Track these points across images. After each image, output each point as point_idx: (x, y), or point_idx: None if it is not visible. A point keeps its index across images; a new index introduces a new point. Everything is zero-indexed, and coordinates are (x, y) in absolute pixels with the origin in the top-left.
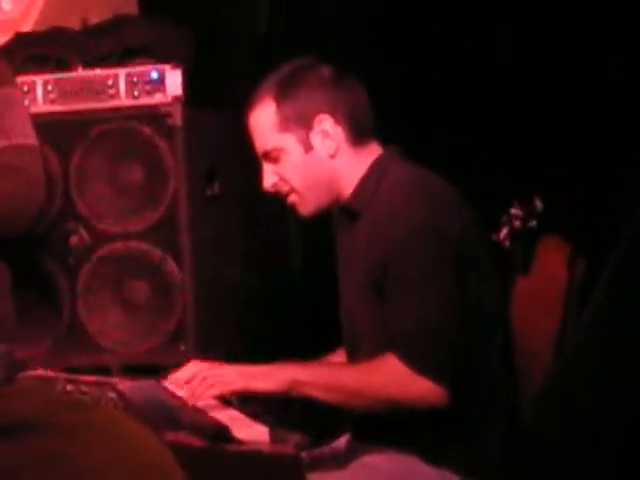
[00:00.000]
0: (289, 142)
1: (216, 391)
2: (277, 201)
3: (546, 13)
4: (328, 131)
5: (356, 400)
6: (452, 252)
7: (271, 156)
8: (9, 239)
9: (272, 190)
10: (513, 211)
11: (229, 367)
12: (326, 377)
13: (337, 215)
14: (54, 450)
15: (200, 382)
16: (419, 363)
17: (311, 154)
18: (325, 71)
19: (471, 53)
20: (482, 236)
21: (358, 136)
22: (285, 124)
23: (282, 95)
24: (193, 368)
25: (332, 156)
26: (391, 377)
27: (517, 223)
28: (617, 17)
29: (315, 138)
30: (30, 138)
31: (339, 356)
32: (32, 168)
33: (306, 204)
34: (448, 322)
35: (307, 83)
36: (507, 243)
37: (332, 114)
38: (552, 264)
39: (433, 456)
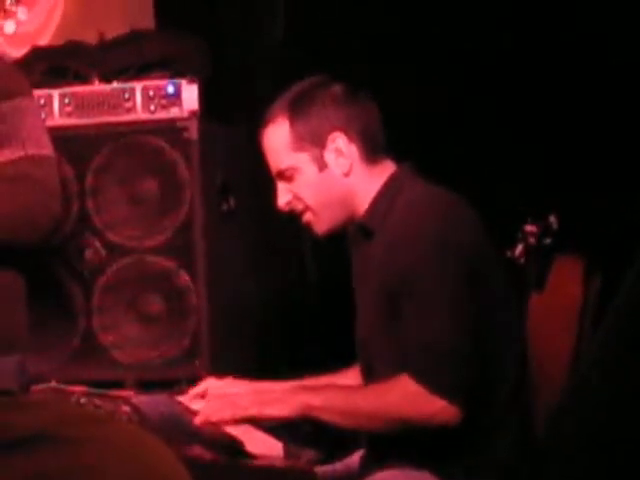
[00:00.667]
0: (303, 161)
1: (228, 416)
2: (292, 216)
3: (567, 29)
4: (342, 149)
5: (371, 423)
6: (467, 269)
7: (285, 175)
8: (25, 251)
9: (287, 208)
10: (528, 228)
11: (243, 389)
12: (340, 401)
13: (352, 232)
14: (69, 462)
15: (213, 402)
16: (434, 382)
17: (325, 172)
18: (337, 89)
19: (485, 68)
20: (496, 252)
21: (371, 153)
22: (299, 143)
23: (295, 114)
24: (209, 385)
25: (346, 174)
26: (405, 397)
27: (532, 240)
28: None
29: (329, 156)
30: (46, 149)
31: (353, 372)
32: (48, 179)
33: (321, 222)
34: (463, 341)
35: (320, 101)
36: (522, 260)
37: (345, 132)
38: (567, 281)
39: (445, 472)
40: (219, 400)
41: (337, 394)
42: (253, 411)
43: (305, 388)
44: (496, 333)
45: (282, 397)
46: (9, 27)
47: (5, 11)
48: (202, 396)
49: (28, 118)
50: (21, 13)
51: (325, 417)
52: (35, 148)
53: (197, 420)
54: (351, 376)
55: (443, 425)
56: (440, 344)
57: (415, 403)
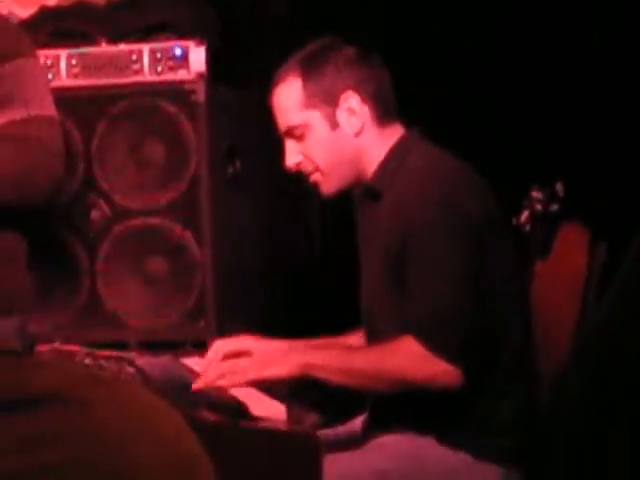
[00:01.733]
0: (315, 119)
1: (227, 382)
2: (298, 180)
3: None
4: (354, 109)
5: (372, 382)
6: (473, 233)
7: (296, 133)
8: (26, 212)
9: (295, 168)
10: (534, 194)
11: (253, 346)
12: (340, 360)
13: (358, 195)
14: (76, 422)
15: (212, 369)
16: (437, 344)
17: (337, 131)
18: (349, 50)
19: (492, 38)
20: (503, 217)
21: (383, 115)
22: (311, 100)
23: (308, 72)
24: (217, 347)
25: (357, 134)
26: (407, 358)
27: (538, 207)
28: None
29: (341, 115)
30: (49, 109)
31: (357, 336)
32: (51, 140)
33: (329, 182)
34: (467, 305)
35: (333, 60)
36: (527, 227)
37: (358, 92)
38: (572, 249)
39: (449, 437)
40: (218, 366)
41: (338, 353)
42: (252, 375)
43: (305, 347)
44: (502, 300)
45: (281, 357)
46: None
47: None
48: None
49: (30, 79)
50: None
51: (325, 376)
52: (38, 109)
53: (195, 386)
54: (354, 340)
55: (444, 387)
56: (444, 307)
57: (417, 364)
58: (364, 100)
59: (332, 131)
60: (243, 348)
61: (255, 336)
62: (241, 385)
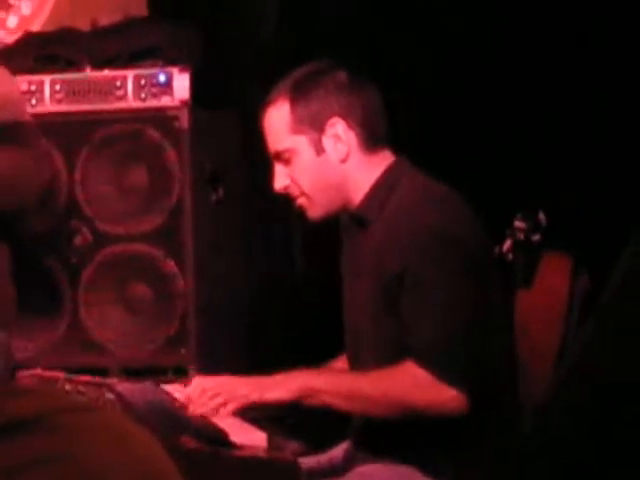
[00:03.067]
0: (301, 144)
1: (232, 407)
2: (280, 206)
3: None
4: (340, 135)
5: (374, 407)
6: (466, 262)
7: (283, 157)
8: (12, 217)
9: (283, 192)
10: (517, 224)
11: (238, 380)
12: (342, 384)
13: (345, 221)
14: (56, 451)
15: (212, 398)
16: (443, 371)
17: (322, 157)
18: (341, 75)
19: (476, 64)
20: (489, 247)
21: (370, 142)
22: (298, 125)
23: (296, 96)
24: (202, 384)
25: (343, 160)
26: (414, 384)
27: (520, 236)
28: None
29: (327, 141)
30: (25, 116)
31: (341, 362)
32: (31, 143)
33: (315, 207)
34: (469, 329)
35: (322, 86)
36: (510, 255)
37: (345, 118)
38: (554, 278)
39: (432, 467)
40: (218, 390)
41: (339, 377)
42: (254, 397)
43: (305, 371)
44: (490, 327)
45: (282, 380)
46: (12, 21)
47: (9, 5)
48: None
49: (1, 86)
50: (25, 7)
51: (327, 400)
52: (16, 115)
53: (196, 411)
54: (339, 366)
55: (451, 414)
56: (447, 332)
57: (425, 391)
58: (350, 127)
59: (317, 157)
60: (225, 382)
61: (233, 375)
62: (242, 408)
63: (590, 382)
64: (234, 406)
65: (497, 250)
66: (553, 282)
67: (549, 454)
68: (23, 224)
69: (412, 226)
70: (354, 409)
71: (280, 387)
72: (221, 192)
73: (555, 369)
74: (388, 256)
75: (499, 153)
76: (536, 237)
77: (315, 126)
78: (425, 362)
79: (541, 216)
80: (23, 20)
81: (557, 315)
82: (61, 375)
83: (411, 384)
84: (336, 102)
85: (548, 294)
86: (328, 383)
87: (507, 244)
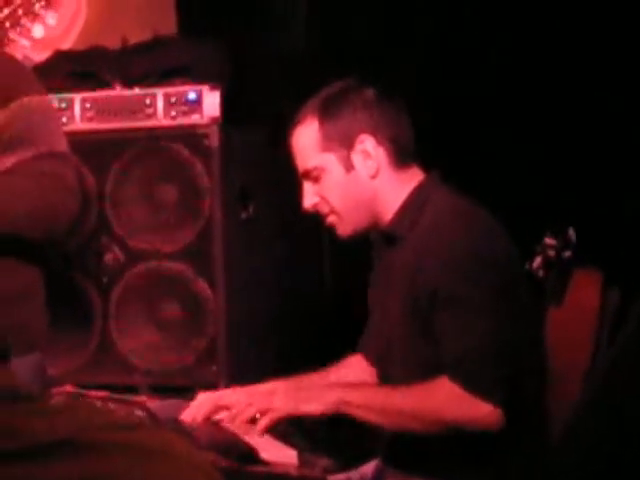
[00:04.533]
0: (330, 161)
1: (267, 421)
2: (310, 224)
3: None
4: (369, 151)
5: (408, 422)
6: (499, 278)
7: (312, 175)
8: (46, 247)
9: (312, 210)
10: (547, 241)
11: (273, 390)
12: (376, 399)
13: (375, 239)
14: (94, 470)
15: (246, 408)
16: (477, 386)
17: (352, 174)
18: (368, 92)
19: (503, 80)
20: (521, 263)
21: (400, 159)
22: (327, 143)
23: (325, 114)
24: (233, 395)
25: (373, 177)
26: (450, 400)
27: (551, 253)
28: None
29: (356, 158)
30: (59, 146)
31: (346, 368)
32: (64, 174)
33: (345, 225)
34: (503, 346)
35: (350, 103)
36: (541, 273)
37: (374, 135)
38: (585, 295)
39: None
40: (253, 404)
41: (374, 391)
42: (288, 409)
43: (340, 385)
44: (523, 342)
45: (317, 394)
46: (38, 31)
47: (34, 15)
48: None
49: (37, 116)
50: (50, 18)
51: (361, 414)
52: (48, 146)
53: (228, 423)
54: (348, 372)
55: (486, 429)
56: (484, 349)
57: (461, 406)
58: (380, 143)
59: (347, 174)
60: (224, 403)
61: (235, 388)
62: (277, 421)
63: (620, 398)
64: (268, 419)
65: (527, 267)
66: (584, 299)
67: (578, 470)
68: (54, 248)
69: (444, 244)
70: (388, 424)
71: (315, 400)
72: (251, 209)
73: (586, 381)
74: (420, 274)
75: (529, 169)
76: (567, 254)
77: (344, 143)
78: (459, 378)
79: (571, 232)
80: (49, 32)
81: (588, 332)
82: (92, 393)
83: (446, 399)
84: (364, 119)
85: (579, 311)
86: (362, 397)
87: (537, 261)
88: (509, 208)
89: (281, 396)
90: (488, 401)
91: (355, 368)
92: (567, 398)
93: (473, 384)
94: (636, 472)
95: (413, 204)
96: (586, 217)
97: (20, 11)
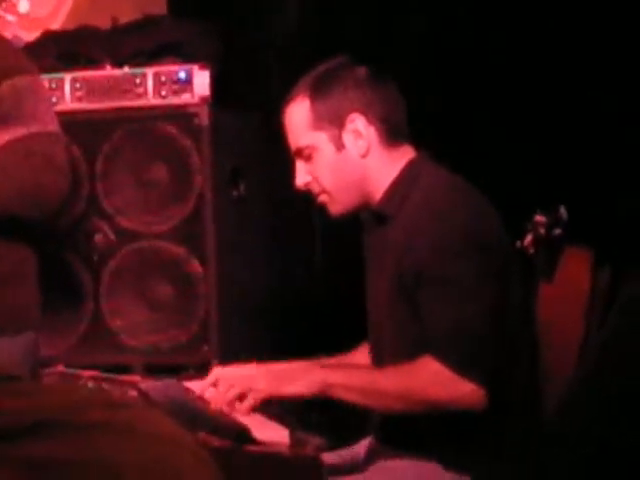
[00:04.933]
0: (321, 140)
1: (249, 402)
2: (301, 203)
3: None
4: (360, 131)
5: (393, 402)
6: (491, 255)
7: (304, 154)
8: (36, 225)
9: (304, 188)
10: (538, 218)
11: (256, 371)
12: (361, 380)
13: (366, 218)
14: (81, 448)
15: (227, 389)
16: (462, 365)
17: (343, 153)
18: (360, 71)
19: (497, 58)
20: (509, 242)
21: (391, 137)
22: (318, 122)
23: (316, 93)
24: (218, 375)
25: (363, 156)
26: (433, 379)
27: (541, 230)
28: None
29: (347, 137)
30: (51, 125)
31: (360, 354)
32: (55, 154)
33: (336, 204)
34: (489, 325)
35: (342, 82)
36: (531, 250)
37: (365, 114)
38: (576, 272)
39: (455, 462)
40: (235, 385)
41: (358, 372)
42: (271, 391)
43: (324, 366)
44: (512, 320)
45: (300, 375)
46: (23, 6)
47: None
48: (214, 385)
49: (29, 96)
50: (23, 5)
51: (344, 395)
52: (39, 126)
53: (214, 406)
54: (359, 357)
55: (469, 408)
56: (467, 326)
57: (444, 385)
58: (370, 122)
59: (338, 153)
60: (242, 375)
61: (253, 362)
62: (260, 402)
63: (615, 374)
64: (251, 401)
65: (518, 245)
66: (574, 276)
67: (573, 448)
68: (46, 227)
69: (434, 222)
70: (371, 404)
71: (298, 382)
72: (242, 188)
73: (578, 361)
74: (409, 253)
75: (520, 147)
76: (557, 231)
77: (335, 122)
78: (442, 356)
79: (562, 210)
80: (35, 9)
81: (579, 309)
82: (84, 373)
83: (428, 378)
84: (355, 98)
85: (569, 288)
86: (345, 378)
87: (528, 239)
88: (501, 186)
89: (263, 377)
90: (470, 380)
91: (365, 355)
92: (559, 373)
93: (456, 363)
94: (627, 453)
95: (403, 182)
96: (577, 195)
97: None
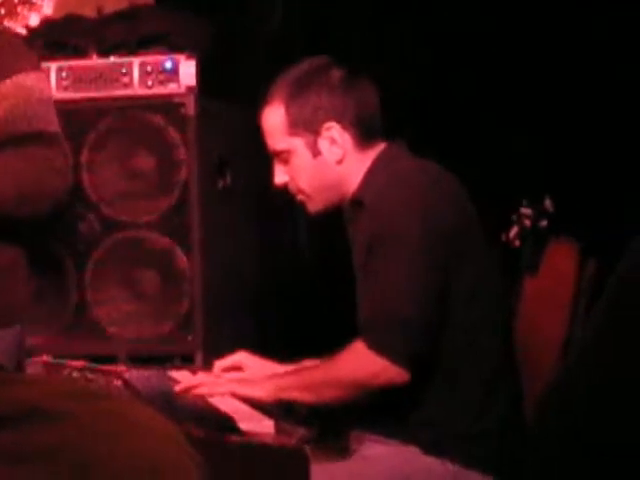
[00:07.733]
0: (297, 145)
1: (204, 390)
2: (287, 194)
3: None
4: (335, 138)
5: (333, 392)
6: (444, 243)
7: (281, 157)
8: (28, 225)
9: (282, 187)
10: (523, 210)
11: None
12: (301, 378)
13: (346, 209)
14: (62, 439)
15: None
16: (377, 342)
17: (319, 159)
18: (336, 75)
19: (485, 49)
20: (480, 229)
21: (366, 139)
22: (293, 128)
23: (291, 99)
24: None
25: (339, 162)
26: (353, 360)
27: (527, 222)
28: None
29: (323, 144)
30: (51, 126)
31: None
32: (55, 156)
33: (314, 203)
34: (415, 306)
35: (316, 88)
36: (517, 242)
37: (340, 121)
38: (561, 264)
39: (434, 447)
40: (201, 383)
41: (302, 372)
42: (232, 387)
43: (282, 372)
44: (480, 302)
45: (260, 381)
46: (34, 20)
47: (31, 4)
48: (236, 368)
49: (32, 95)
50: (46, 7)
51: (298, 397)
52: (41, 125)
53: (177, 388)
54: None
55: (388, 384)
56: (390, 308)
57: (361, 364)
58: (345, 128)
59: (314, 159)
60: (237, 362)
61: (250, 353)
62: (219, 393)
63: (602, 367)
64: (208, 390)
65: (503, 237)
66: (560, 268)
67: (559, 439)
68: (36, 227)
69: (388, 203)
70: (318, 399)
71: (256, 387)
72: (228, 179)
73: (561, 356)
74: (367, 233)
75: (505, 139)
76: (543, 223)
77: (310, 129)
78: (363, 337)
79: (547, 202)
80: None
81: (564, 301)
82: (69, 362)
83: (352, 361)
84: (330, 104)
85: (555, 280)
86: (292, 379)
87: (513, 231)
88: (486, 178)
89: (228, 380)
90: (386, 357)
91: None
92: (543, 364)
93: (371, 341)
94: (626, 437)
95: (375, 171)
96: (563, 187)
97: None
